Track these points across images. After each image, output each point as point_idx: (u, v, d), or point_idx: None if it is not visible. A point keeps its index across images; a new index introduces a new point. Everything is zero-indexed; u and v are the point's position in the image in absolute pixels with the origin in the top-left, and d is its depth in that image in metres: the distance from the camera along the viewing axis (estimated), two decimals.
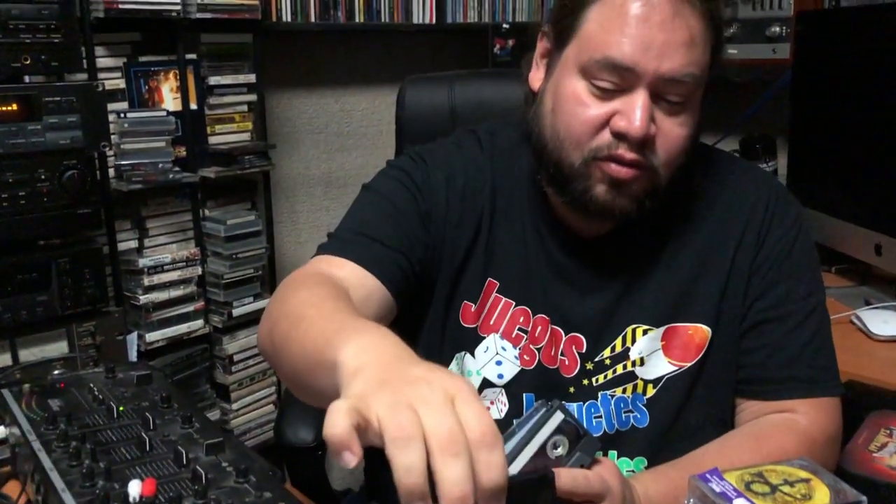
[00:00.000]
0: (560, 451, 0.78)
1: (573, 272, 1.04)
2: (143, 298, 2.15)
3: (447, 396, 0.55)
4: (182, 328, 2.28)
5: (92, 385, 1.04)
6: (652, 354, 1.01)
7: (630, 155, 0.92)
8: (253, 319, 2.43)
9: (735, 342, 1.02)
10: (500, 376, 1.03)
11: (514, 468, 0.75)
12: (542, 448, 0.77)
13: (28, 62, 1.41)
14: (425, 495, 0.52)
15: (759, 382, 1.01)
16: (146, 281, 2.15)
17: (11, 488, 0.91)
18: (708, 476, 0.63)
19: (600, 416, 1.02)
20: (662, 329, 1.01)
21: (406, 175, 1.05)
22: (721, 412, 1.03)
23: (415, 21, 2.84)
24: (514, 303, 1.04)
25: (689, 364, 1.01)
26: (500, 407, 1.03)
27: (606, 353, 1.03)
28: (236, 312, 2.39)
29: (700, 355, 1.01)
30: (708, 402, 1.02)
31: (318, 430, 1.35)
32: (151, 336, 2.19)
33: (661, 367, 1.01)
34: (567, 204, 0.99)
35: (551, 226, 1.04)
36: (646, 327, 1.02)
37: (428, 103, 1.54)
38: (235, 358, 2.49)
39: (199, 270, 2.31)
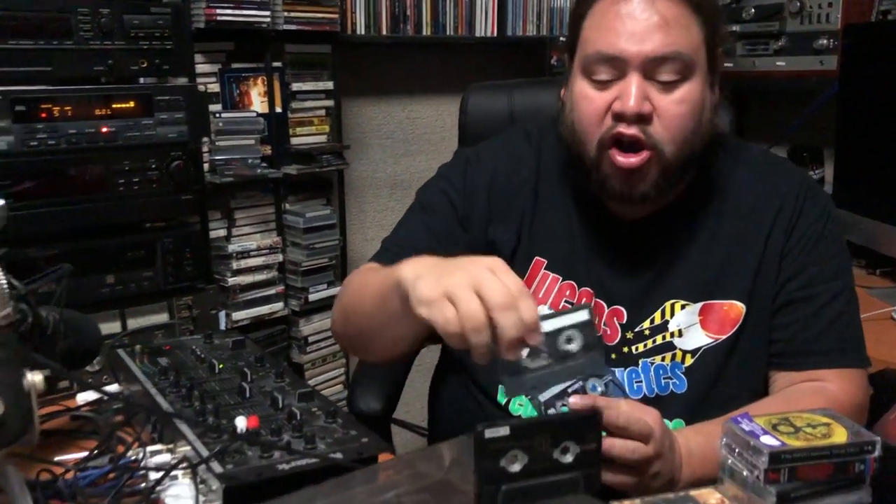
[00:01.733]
0: (572, 346, 0.80)
1: (615, 252, 1.09)
2: (231, 280, 2.25)
3: (489, 269, 0.77)
4: (264, 309, 2.39)
5: (193, 347, 1.12)
6: (690, 327, 1.06)
7: (629, 131, 0.98)
8: (326, 304, 2.52)
9: (767, 318, 1.06)
10: None
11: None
12: (558, 332, 0.80)
13: (144, 65, 1.53)
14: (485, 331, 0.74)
15: (790, 355, 1.05)
16: (234, 265, 2.26)
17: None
18: (739, 419, 0.68)
19: (640, 382, 1.07)
20: (699, 304, 1.06)
21: (449, 184, 1.16)
22: (754, 383, 1.07)
23: (477, 34, 2.91)
24: (560, 278, 1.10)
25: (724, 337, 1.05)
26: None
27: (646, 324, 1.07)
28: (312, 297, 2.49)
29: (735, 329, 1.05)
30: (742, 372, 1.06)
31: (385, 400, 1.44)
32: (237, 315, 2.29)
33: (698, 338, 1.06)
34: (598, 193, 1.06)
35: (593, 211, 1.10)
36: (683, 302, 1.06)
37: (489, 109, 1.59)
38: (310, 339, 2.58)
39: (279, 258, 2.41)
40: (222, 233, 2.31)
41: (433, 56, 3.04)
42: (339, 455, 0.80)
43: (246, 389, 0.96)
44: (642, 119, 0.98)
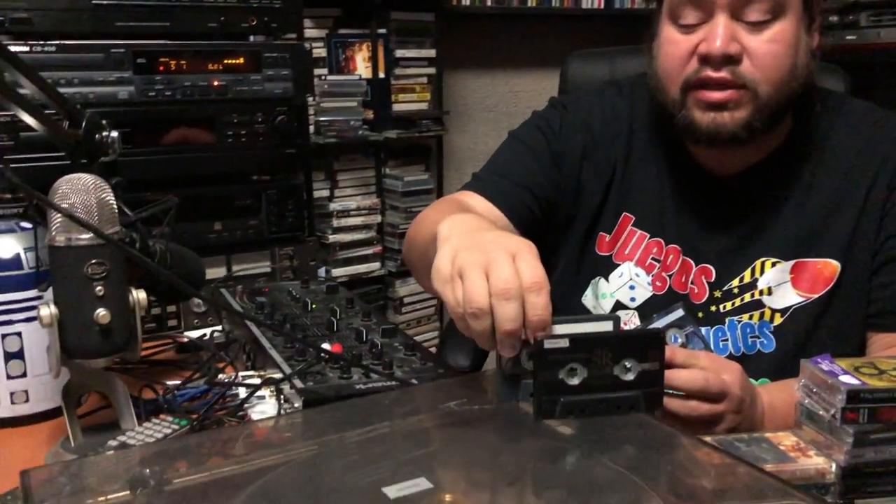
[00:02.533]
0: (676, 343, 0.80)
1: (705, 209, 1.05)
2: (332, 238, 2.31)
3: (510, 254, 0.67)
4: (361, 268, 2.44)
5: (290, 290, 1.16)
6: (780, 286, 1.02)
7: (717, 74, 0.93)
8: None
9: (865, 277, 1.00)
10: (633, 300, 1.07)
11: None
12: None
13: (254, 23, 1.58)
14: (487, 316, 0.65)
15: (890, 315, 0.99)
16: (335, 223, 2.32)
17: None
18: (819, 359, 0.64)
19: (727, 340, 1.03)
20: (791, 262, 1.01)
21: (545, 122, 1.13)
22: (848, 344, 1.01)
23: (584, 6, 2.85)
24: (648, 235, 1.07)
25: (816, 296, 1.00)
26: (632, 327, 1.07)
27: (734, 282, 1.03)
28: None
29: (828, 288, 1.00)
30: (835, 333, 1.01)
31: (473, 357, 1.45)
32: (336, 271, 2.35)
33: (788, 297, 1.01)
34: (683, 137, 1.02)
35: (686, 166, 1.06)
36: (774, 260, 1.02)
37: (590, 77, 1.52)
38: (405, 300, 2.62)
39: (378, 219, 2.46)
40: (325, 193, 2.37)
41: (538, 28, 3.00)
42: (414, 382, 0.81)
43: (334, 324, 1.00)
44: (730, 60, 0.93)
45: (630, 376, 0.60)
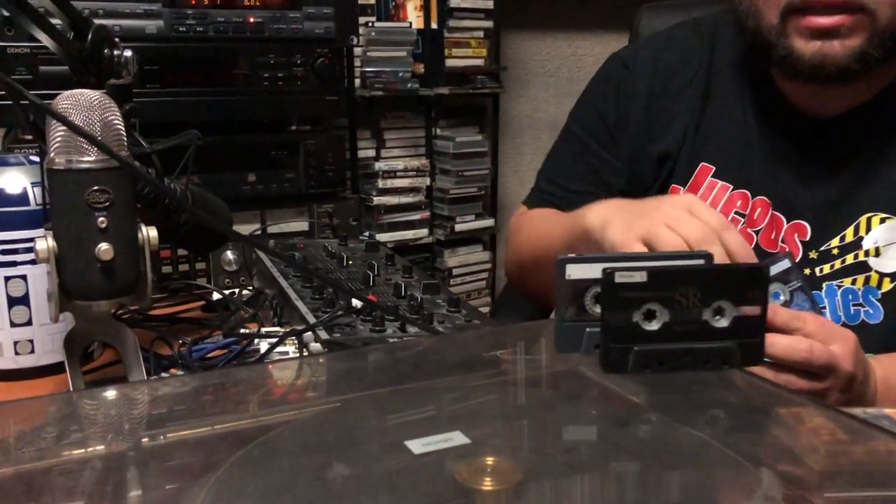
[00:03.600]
0: (778, 301, 0.72)
1: (800, 156, 0.96)
2: (377, 200, 2.26)
3: (685, 208, 0.72)
4: (408, 234, 2.38)
5: (327, 246, 1.12)
6: (890, 246, 0.91)
7: None
8: (473, 237, 2.48)
9: None
10: None
11: None
12: None
13: None
14: None
15: None
16: (380, 183, 2.26)
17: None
18: None
19: (824, 308, 0.94)
20: None
21: (603, 99, 1.08)
22: None
23: None
24: (731, 186, 0.99)
25: None
26: None
27: (834, 242, 0.94)
28: (458, 228, 2.45)
29: None
30: None
31: None
32: (381, 237, 2.29)
33: None
34: (779, 72, 0.93)
35: (776, 107, 0.97)
36: (884, 215, 0.92)
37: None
38: (454, 272, 2.55)
39: (427, 181, 2.39)
40: (371, 153, 2.32)
41: None
42: None
43: (370, 278, 0.94)
44: None
45: (723, 322, 0.50)
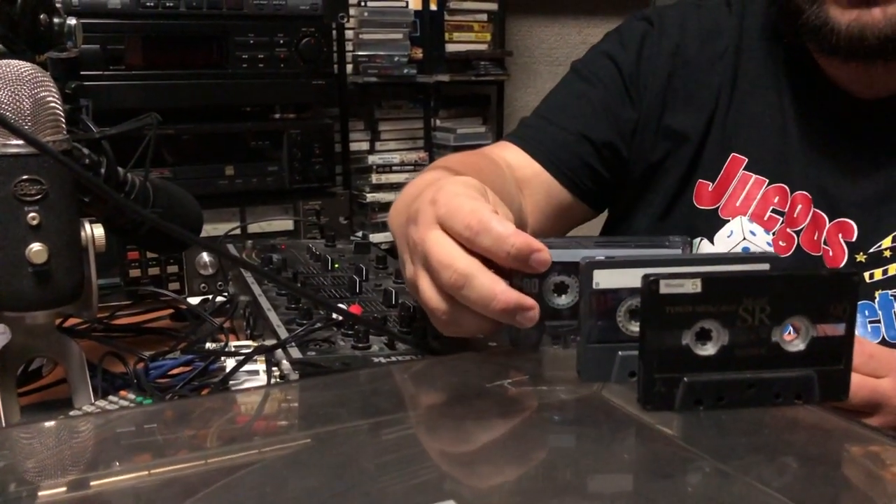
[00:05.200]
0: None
1: (843, 146, 0.89)
2: (370, 197, 2.21)
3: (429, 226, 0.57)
4: None
5: (311, 247, 1.06)
6: None
7: None
8: None
9: None
10: None
11: None
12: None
13: None
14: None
15: None
16: (374, 179, 2.22)
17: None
18: None
19: (877, 321, 0.87)
20: None
21: (620, 46, 0.99)
22: None
23: None
24: (766, 180, 0.92)
25: None
26: None
27: (886, 243, 0.87)
28: None
29: None
30: None
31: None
32: (375, 237, 2.23)
33: None
34: (813, 45, 0.85)
35: (817, 90, 0.90)
36: None
37: None
38: None
39: None
40: (364, 145, 2.28)
41: None
42: None
43: (357, 283, 0.87)
44: None
45: (799, 345, 0.42)
